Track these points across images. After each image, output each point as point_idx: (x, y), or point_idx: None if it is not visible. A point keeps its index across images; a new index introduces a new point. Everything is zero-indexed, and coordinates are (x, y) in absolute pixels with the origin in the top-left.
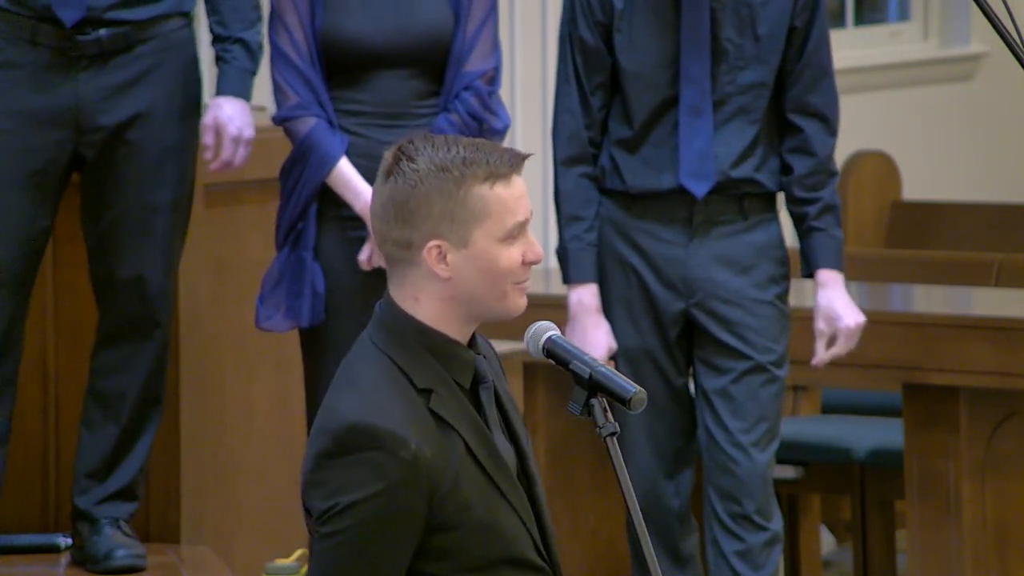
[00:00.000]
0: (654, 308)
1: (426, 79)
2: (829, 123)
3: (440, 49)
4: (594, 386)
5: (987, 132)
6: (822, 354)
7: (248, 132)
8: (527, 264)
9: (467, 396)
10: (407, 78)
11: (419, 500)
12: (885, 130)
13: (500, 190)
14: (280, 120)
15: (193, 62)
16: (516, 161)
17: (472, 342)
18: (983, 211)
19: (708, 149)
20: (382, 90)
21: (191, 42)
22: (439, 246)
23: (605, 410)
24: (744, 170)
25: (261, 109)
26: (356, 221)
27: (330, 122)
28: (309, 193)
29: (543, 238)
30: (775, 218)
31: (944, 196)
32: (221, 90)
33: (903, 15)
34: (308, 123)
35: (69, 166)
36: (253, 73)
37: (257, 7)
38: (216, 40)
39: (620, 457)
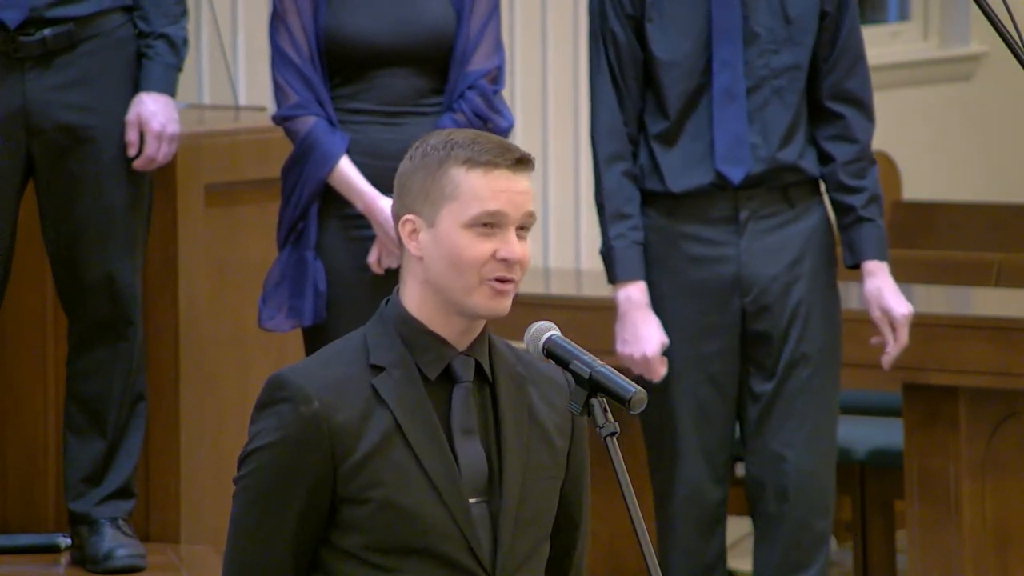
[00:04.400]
0: (710, 317)
1: (429, 77)
2: (867, 109)
3: (443, 48)
4: (594, 386)
5: (987, 132)
6: (891, 350)
7: (172, 128)
8: (500, 261)
9: (431, 387)
10: (410, 76)
11: (315, 459)
12: (885, 130)
13: (475, 176)
14: (280, 119)
15: (137, 58)
16: (503, 153)
17: (476, 346)
18: (983, 211)
19: (743, 134)
20: (385, 88)
21: (134, 38)
22: (411, 220)
23: (605, 410)
24: (789, 154)
25: (261, 109)
26: (359, 220)
27: (330, 121)
28: (310, 192)
29: (542, 236)
30: (821, 202)
31: (944, 196)
32: (144, 86)
33: (903, 15)
34: (308, 122)
35: (25, 170)
36: (178, 69)
37: (181, 1)
38: (139, 36)
39: (620, 457)
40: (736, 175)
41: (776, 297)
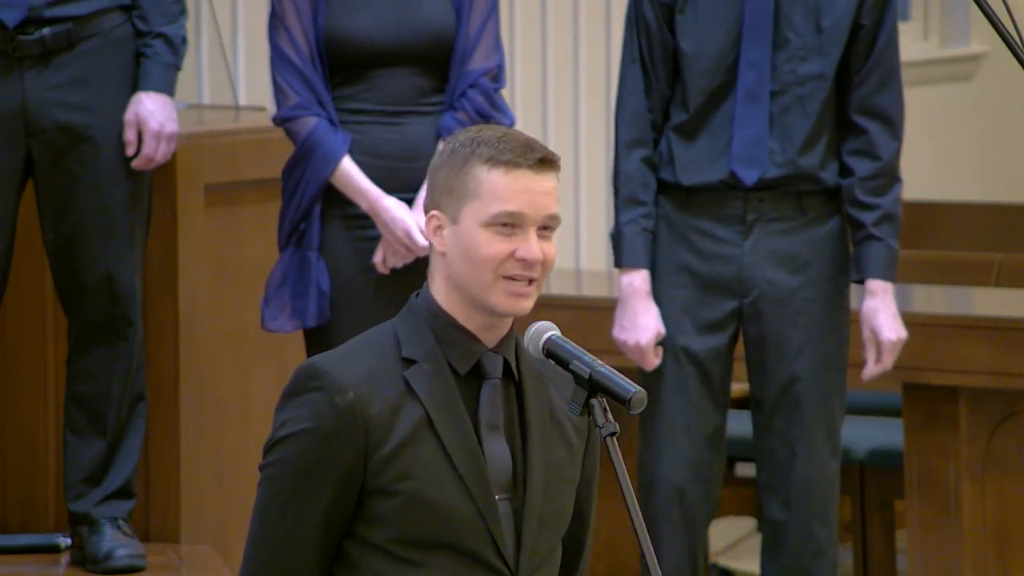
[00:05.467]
0: (705, 311)
1: (429, 76)
2: (894, 126)
3: (443, 47)
4: (594, 386)
5: (987, 132)
6: (871, 367)
7: (170, 127)
8: (519, 260)
9: (461, 382)
10: (410, 75)
11: (347, 450)
12: None
13: (497, 175)
14: (280, 120)
15: (136, 57)
16: (525, 153)
17: (504, 344)
18: (983, 211)
19: (762, 136)
20: (385, 88)
21: (133, 38)
22: (436, 216)
23: (605, 410)
24: (807, 163)
25: (261, 109)
26: (362, 220)
27: (331, 121)
28: (313, 193)
29: None
30: (837, 212)
31: (944, 196)
32: (143, 85)
33: (903, 15)
34: (309, 123)
35: (24, 169)
36: (177, 68)
37: (179, 1)
38: (138, 35)
39: (620, 457)
40: (750, 177)
41: (775, 302)
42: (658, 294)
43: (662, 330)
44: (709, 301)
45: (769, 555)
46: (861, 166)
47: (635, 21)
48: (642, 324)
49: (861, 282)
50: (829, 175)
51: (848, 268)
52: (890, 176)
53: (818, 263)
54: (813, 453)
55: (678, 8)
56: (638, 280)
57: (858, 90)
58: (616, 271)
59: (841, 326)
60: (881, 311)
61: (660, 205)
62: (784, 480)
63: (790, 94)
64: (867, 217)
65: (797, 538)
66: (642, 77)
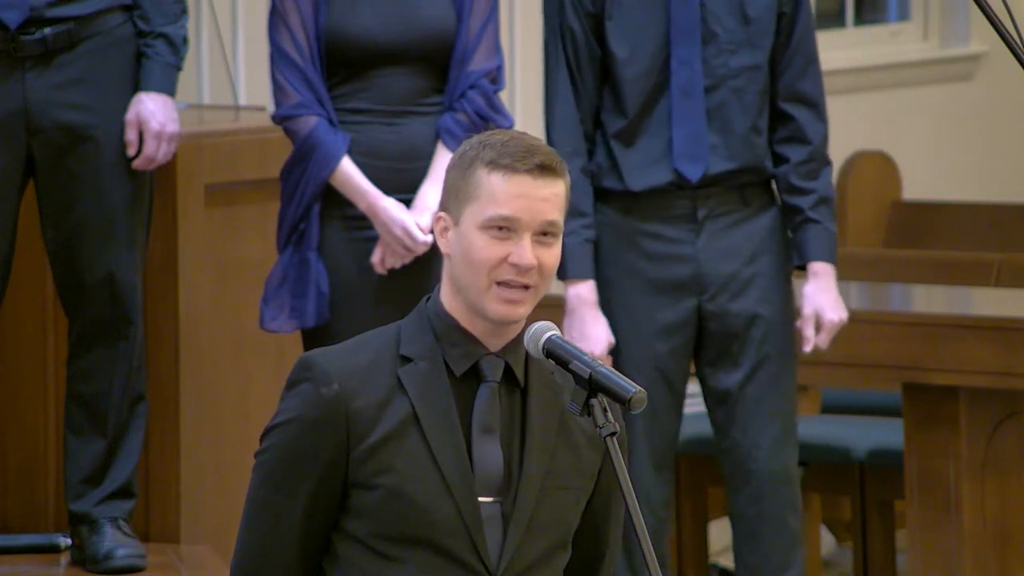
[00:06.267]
0: (664, 314)
1: (429, 76)
2: (819, 109)
3: (443, 47)
4: (594, 386)
5: (987, 132)
6: (809, 334)
7: (171, 128)
8: (512, 265)
9: (457, 383)
10: (411, 75)
11: (329, 441)
12: (885, 130)
13: (496, 179)
14: (280, 119)
15: (137, 57)
16: (524, 158)
17: (508, 349)
18: (983, 211)
19: (701, 132)
20: (385, 88)
21: (134, 38)
22: (443, 218)
23: (605, 410)
24: (749, 155)
25: (261, 109)
26: (361, 220)
27: (331, 121)
28: (312, 193)
29: None
30: (774, 201)
31: (944, 196)
32: (144, 86)
33: (903, 15)
34: (309, 122)
35: (25, 169)
36: (177, 68)
37: (180, 1)
38: (139, 35)
39: (620, 457)
40: (694, 173)
41: (733, 296)
42: (612, 303)
43: (612, 340)
44: (666, 303)
45: (744, 549)
46: (793, 152)
47: (559, 31)
48: (592, 335)
49: (802, 268)
50: (768, 164)
51: (789, 258)
52: (821, 159)
53: (767, 253)
54: (777, 444)
55: (606, 14)
56: (585, 291)
57: (782, 77)
58: (563, 283)
59: (793, 315)
60: (824, 292)
61: (603, 213)
62: (752, 473)
63: (725, 87)
64: (804, 201)
65: (772, 531)
66: (571, 87)
